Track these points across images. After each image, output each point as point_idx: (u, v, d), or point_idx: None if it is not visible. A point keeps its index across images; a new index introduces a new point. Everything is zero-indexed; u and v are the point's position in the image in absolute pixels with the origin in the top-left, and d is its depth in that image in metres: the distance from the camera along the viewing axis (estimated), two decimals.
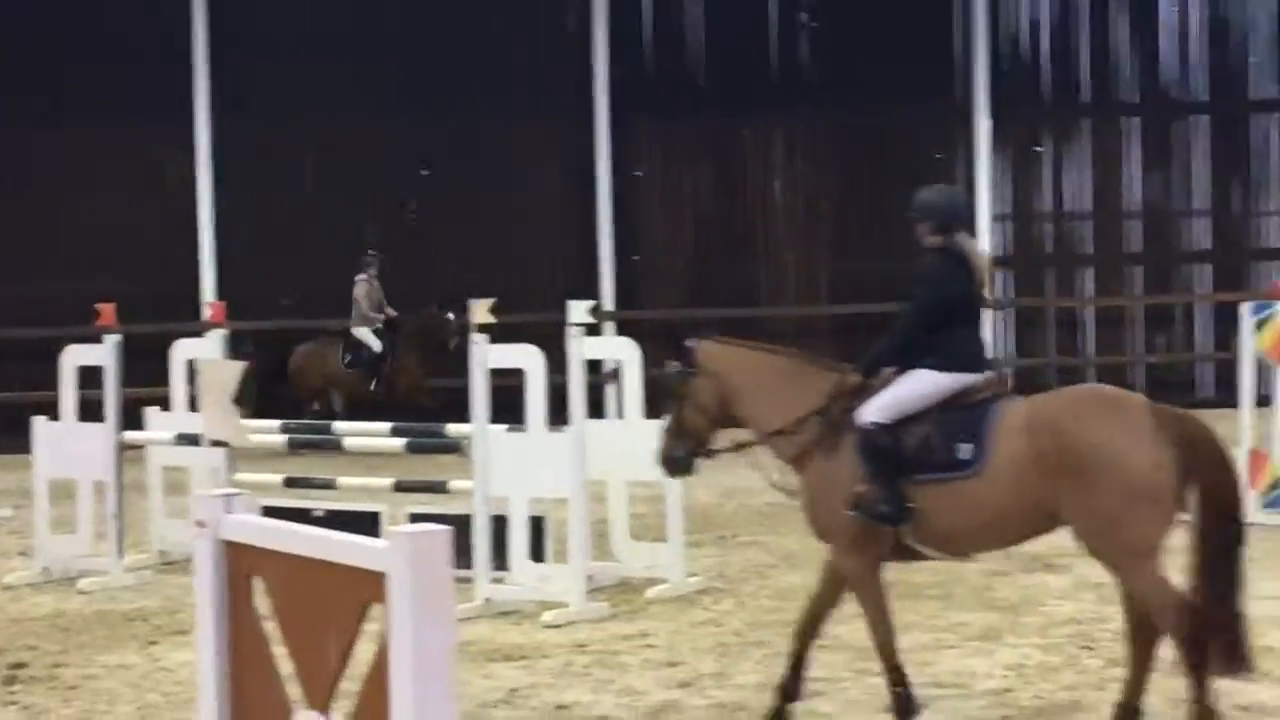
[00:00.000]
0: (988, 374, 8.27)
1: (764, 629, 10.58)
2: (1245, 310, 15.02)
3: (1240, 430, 14.76)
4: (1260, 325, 14.79)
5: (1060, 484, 7.71)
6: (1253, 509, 14.48)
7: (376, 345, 21.57)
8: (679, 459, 8.72)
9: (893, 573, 8.61)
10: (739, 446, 8.66)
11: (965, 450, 7.91)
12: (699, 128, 24.61)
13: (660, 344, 9.73)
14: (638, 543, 12.50)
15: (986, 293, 8.44)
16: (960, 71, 24.90)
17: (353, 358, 21.66)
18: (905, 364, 8.25)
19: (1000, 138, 24.94)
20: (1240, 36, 25.51)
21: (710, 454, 8.74)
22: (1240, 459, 14.71)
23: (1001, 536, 8.17)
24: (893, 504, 8.01)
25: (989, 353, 8.33)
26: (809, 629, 8.50)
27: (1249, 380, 14.95)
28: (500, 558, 11.71)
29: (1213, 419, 22.46)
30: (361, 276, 21.85)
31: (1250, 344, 14.86)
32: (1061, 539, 12.97)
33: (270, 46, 23.23)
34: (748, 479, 9.32)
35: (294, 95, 23.09)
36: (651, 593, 11.87)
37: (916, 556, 8.34)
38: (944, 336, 8.16)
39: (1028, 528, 8.04)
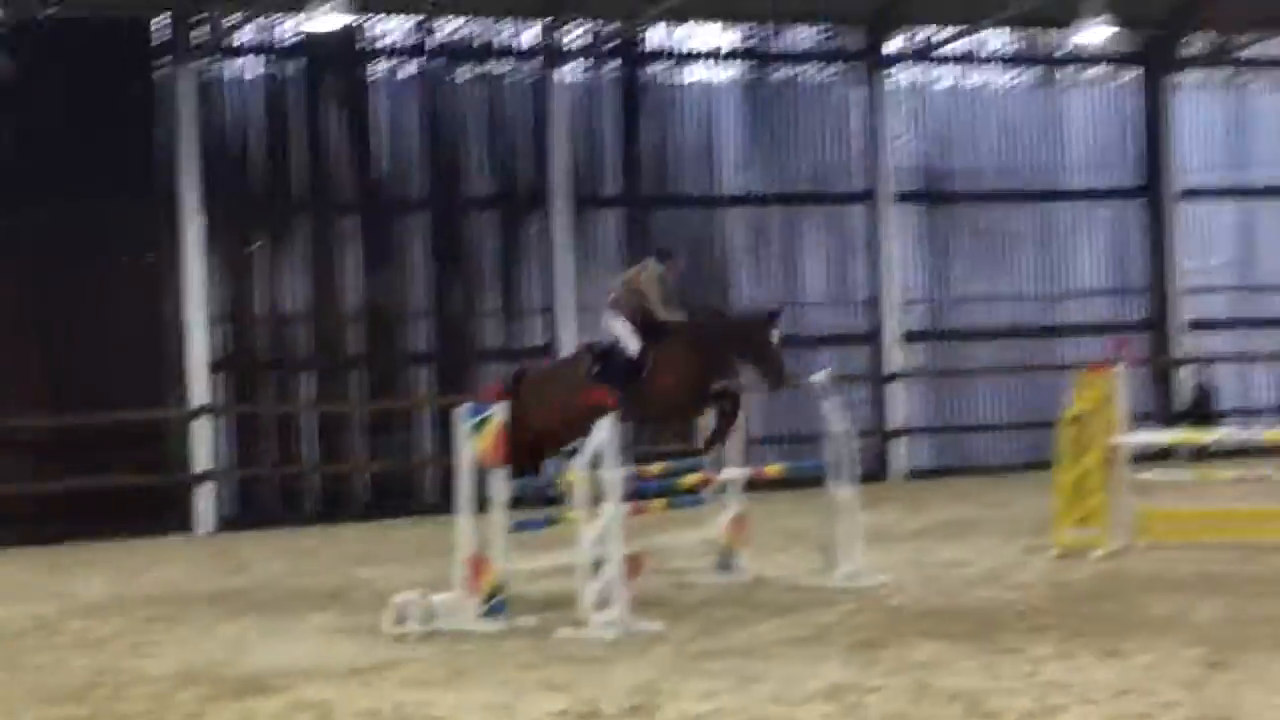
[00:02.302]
0: None
1: None
2: (463, 413, 14.40)
3: (461, 536, 14.08)
4: (477, 428, 14.18)
5: None
6: (472, 616, 13.80)
7: (634, 347, 15.89)
8: None
9: None
10: None
11: None
12: None
13: None
14: None
15: None
16: (166, 167, 23.51)
17: (604, 367, 15.97)
18: None
19: (212, 237, 23.75)
20: (458, 132, 25.29)
21: None
22: (459, 567, 14.03)
23: None
24: None
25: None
26: None
27: (467, 485, 14.29)
28: None
29: (436, 526, 21.77)
30: (650, 259, 16.33)
31: (468, 447, 14.22)
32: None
33: None
34: None
35: None
36: None
37: None
38: None
39: None
